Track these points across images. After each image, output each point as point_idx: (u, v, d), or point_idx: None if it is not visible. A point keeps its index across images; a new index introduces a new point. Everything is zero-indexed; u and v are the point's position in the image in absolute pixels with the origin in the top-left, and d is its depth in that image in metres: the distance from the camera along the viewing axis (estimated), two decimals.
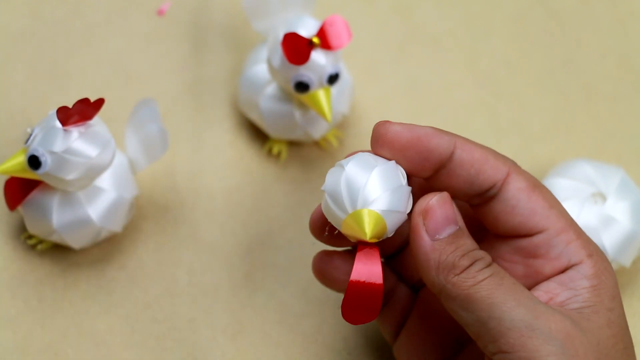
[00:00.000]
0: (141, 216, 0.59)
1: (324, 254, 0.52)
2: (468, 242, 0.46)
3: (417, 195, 0.49)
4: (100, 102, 0.51)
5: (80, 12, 0.65)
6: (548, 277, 0.47)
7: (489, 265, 0.45)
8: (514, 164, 0.48)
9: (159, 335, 0.56)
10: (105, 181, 0.55)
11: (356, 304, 0.45)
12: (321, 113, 0.57)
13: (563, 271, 0.47)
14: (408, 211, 0.46)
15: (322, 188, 0.46)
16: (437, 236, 0.45)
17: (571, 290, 0.46)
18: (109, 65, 0.64)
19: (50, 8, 0.65)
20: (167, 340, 0.56)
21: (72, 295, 0.56)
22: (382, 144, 0.47)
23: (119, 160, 0.56)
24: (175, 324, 0.56)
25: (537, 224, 0.47)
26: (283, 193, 0.60)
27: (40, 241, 0.57)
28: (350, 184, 0.45)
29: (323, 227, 0.49)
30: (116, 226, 0.56)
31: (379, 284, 0.45)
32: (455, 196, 0.48)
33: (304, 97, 0.57)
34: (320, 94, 0.56)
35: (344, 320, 0.56)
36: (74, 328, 0.56)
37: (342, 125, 0.62)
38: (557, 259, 0.47)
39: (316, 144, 0.62)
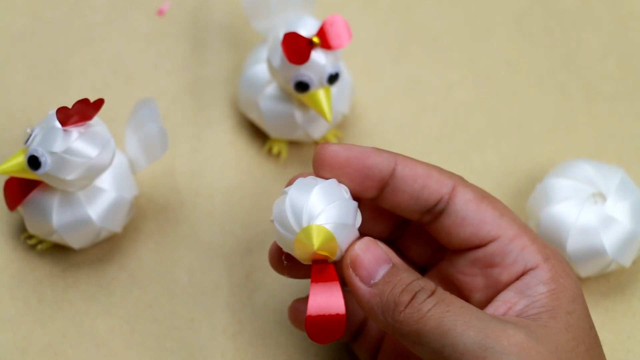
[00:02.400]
0: (141, 216, 0.59)
1: (297, 302, 0.52)
2: (405, 276, 0.45)
3: (369, 218, 0.50)
4: (100, 102, 0.51)
5: (80, 12, 0.65)
6: (507, 285, 0.47)
7: (432, 294, 0.45)
8: (460, 178, 0.48)
9: (159, 335, 0.56)
10: (105, 181, 0.55)
11: (319, 330, 0.45)
12: (321, 113, 0.56)
13: (521, 277, 0.47)
14: (358, 225, 0.47)
15: (271, 218, 0.47)
16: (372, 281, 0.45)
17: (528, 297, 0.46)
18: (109, 65, 0.64)
19: (50, 8, 0.65)
20: (167, 340, 0.56)
21: (72, 296, 0.56)
22: (321, 164, 0.47)
23: (119, 160, 0.56)
24: (175, 324, 0.56)
25: (488, 232, 0.47)
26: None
27: (40, 241, 0.57)
28: (294, 206, 0.46)
29: (280, 259, 0.49)
30: (116, 226, 0.56)
31: (342, 315, 0.45)
32: (405, 215, 0.48)
33: (304, 97, 0.57)
34: (320, 94, 0.56)
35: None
36: (74, 328, 0.56)
37: (342, 125, 0.62)
38: (513, 265, 0.47)
39: (316, 144, 0.62)
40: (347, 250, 0.46)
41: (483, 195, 0.48)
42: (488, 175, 0.62)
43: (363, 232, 0.50)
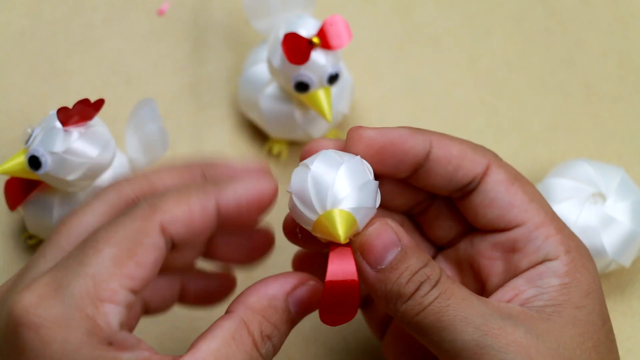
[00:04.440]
0: None
1: (300, 256, 0.51)
2: (413, 263, 0.44)
3: (392, 191, 0.49)
4: (100, 103, 0.51)
5: (80, 11, 0.65)
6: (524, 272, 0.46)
7: (435, 285, 0.44)
8: (494, 156, 0.47)
9: (159, 335, 0.56)
10: (105, 181, 0.55)
11: (334, 304, 0.44)
12: (321, 113, 0.57)
13: (537, 265, 0.46)
14: (377, 205, 0.45)
15: (288, 189, 0.45)
16: (379, 266, 0.44)
17: (537, 287, 0.45)
18: (109, 65, 0.64)
19: (49, 8, 0.65)
20: (167, 340, 0.56)
21: None
22: (357, 148, 0.46)
23: (119, 160, 0.56)
24: (175, 324, 0.56)
25: (515, 217, 0.46)
26: (283, 193, 0.60)
27: (41, 241, 0.57)
28: (318, 184, 0.44)
29: (295, 230, 0.48)
30: None
31: (355, 280, 0.44)
32: (436, 192, 0.48)
33: (304, 97, 0.57)
34: (321, 94, 0.56)
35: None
36: None
37: (342, 125, 0.62)
38: (534, 254, 0.46)
39: None
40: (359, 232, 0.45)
41: (515, 177, 0.47)
42: None
43: (383, 204, 0.49)
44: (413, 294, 0.44)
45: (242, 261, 0.51)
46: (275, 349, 0.44)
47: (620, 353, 0.56)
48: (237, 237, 0.49)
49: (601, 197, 0.56)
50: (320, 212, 0.44)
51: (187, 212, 0.44)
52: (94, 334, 0.41)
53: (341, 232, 0.44)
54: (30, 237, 0.58)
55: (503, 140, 0.63)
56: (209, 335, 0.42)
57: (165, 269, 0.47)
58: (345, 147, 0.46)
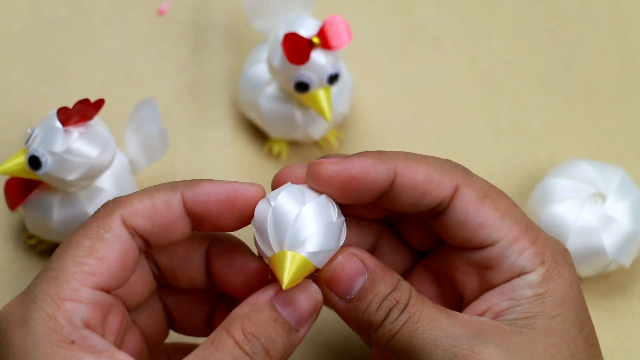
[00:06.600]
0: None
1: None
2: (381, 289, 0.44)
3: (369, 206, 0.48)
4: (100, 103, 0.51)
5: (80, 12, 0.65)
6: None
7: (404, 309, 0.44)
8: (463, 174, 0.46)
9: None
10: (105, 181, 0.55)
11: None
12: (321, 113, 0.57)
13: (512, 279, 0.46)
14: (341, 244, 0.45)
15: (251, 222, 0.45)
16: (348, 296, 0.45)
17: (511, 300, 0.45)
18: (109, 65, 0.64)
19: (50, 8, 0.65)
20: (167, 339, 0.55)
21: None
22: (317, 184, 0.45)
23: (119, 160, 0.56)
24: None
25: (487, 236, 0.45)
26: None
27: (41, 241, 0.57)
28: (278, 222, 0.43)
29: None
30: None
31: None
32: (405, 212, 0.47)
33: (304, 97, 0.57)
34: (321, 94, 0.56)
35: (344, 321, 0.56)
36: None
37: (342, 125, 0.62)
38: (508, 270, 0.45)
39: (316, 144, 0.62)
40: (324, 266, 0.45)
41: (485, 194, 0.46)
42: (488, 175, 0.61)
43: (360, 214, 0.49)
44: (383, 321, 0.44)
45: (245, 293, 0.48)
46: (270, 351, 0.43)
47: (620, 353, 0.56)
48: (235, 267, 0.48)
49: (601, 197, 0.56)
50: (275, 249, 0.43)
51: (149, 204, 0.44)
52: (54, 332, 0.41)
53: (286, 279, 0.42)
54: (30, 237, 0.58)
55: (503, 140, 0.63)
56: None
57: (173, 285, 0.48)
58: (307, 178, 0.45)
